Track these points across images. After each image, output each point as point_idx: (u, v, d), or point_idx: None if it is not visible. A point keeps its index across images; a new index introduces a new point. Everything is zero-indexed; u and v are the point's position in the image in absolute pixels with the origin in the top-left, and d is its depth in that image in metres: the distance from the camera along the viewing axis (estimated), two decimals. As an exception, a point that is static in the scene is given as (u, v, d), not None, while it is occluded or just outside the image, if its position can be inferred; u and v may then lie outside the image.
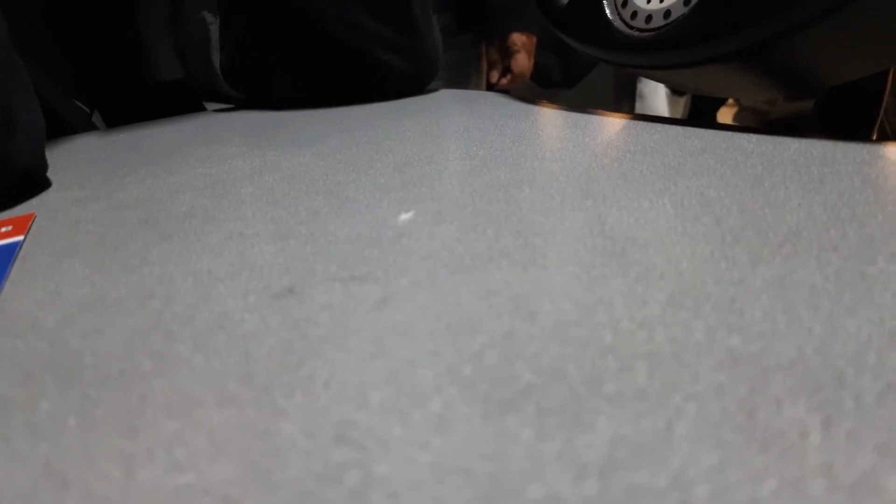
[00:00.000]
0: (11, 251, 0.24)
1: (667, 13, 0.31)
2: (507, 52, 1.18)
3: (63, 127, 0.53)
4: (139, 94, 0.59)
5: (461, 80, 1.17)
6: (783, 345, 0.13)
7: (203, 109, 0.62)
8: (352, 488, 0.10)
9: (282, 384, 0.13)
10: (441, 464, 0.11)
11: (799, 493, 0.09)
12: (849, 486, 0.09)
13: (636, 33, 0.33)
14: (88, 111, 0.58)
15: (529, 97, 0.47)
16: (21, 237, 0.25)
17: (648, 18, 0.32)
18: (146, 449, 0.12)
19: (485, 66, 1.22)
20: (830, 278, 0.15)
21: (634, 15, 0.33)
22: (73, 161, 0.41)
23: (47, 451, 0.12)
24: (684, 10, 0.31)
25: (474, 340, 0.14)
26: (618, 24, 0.34)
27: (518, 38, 1.17)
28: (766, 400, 0.11)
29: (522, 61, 1.18)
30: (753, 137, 0.28)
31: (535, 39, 1.19)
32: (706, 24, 0.29)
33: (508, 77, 1.21)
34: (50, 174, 0.36)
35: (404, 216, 0.23)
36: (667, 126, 0.32)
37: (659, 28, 0.32)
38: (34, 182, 0.34)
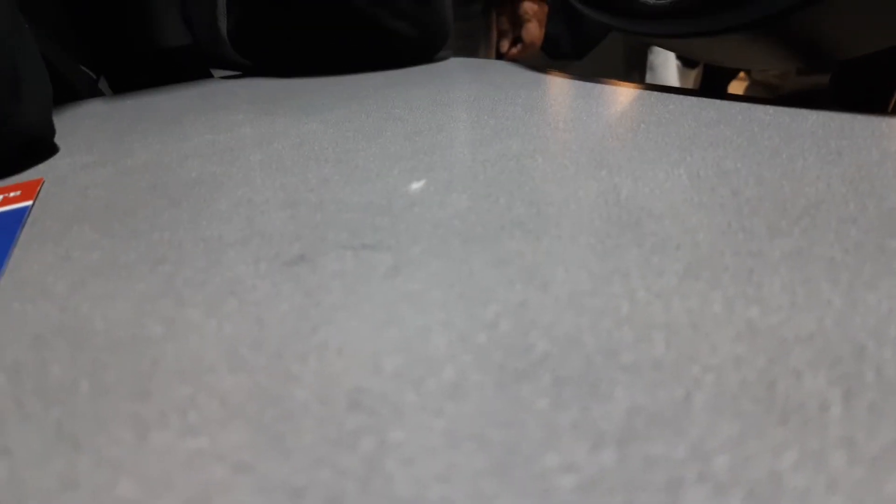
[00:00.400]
0: (20, 216, 0.24)
1: (684, -19, 0.31)
2: (517, 22, 1.16)
3: (70, 93, 0.53)
4: (145, 61, 0.58)
5: (470, 49, 1.16)
6: (803, 317, 0.13)
7: (209, 76, 0.62)
8: (366, 454, 0.10)
9: (294, 350, 0.13)
10: (455, 431, 0.11)
11: (820, 465, 0.09)
12: (870, 459, 0.09)
13: (653, 1, 0.32)
14: (95, 77, 0.57)
15: (540, 67, 0.46)
16: (30, 202, 0.25)
17: (664, -14, 0.32)
18: (159, 413, 0.12)
19: (495, 35, 1.20)
20: (850, 251, 0.15)
21: (651, -18, 0.33)
22: (80, 126, 0.41)
23: (59, 415, 0.12)
24: (702, -23, 0.30)
25: (488, 309, 0.14)
26: (633, -9, 0.33)
27: (529, 7, 1.15)
28: (786, 372, 0.11)
29: (533, 31, 1.16)
30: (770, 109, 0.27)
31: (546, 8, 1.17)
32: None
33: (519, 47, 1.19)
34: (58, 139, 0.36)
35: (415, 185, 0.23)
36: (681, 97, 0.31)
37: (675, -4, 0.31)
38: (42, 147, 0.34)
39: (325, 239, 0.19)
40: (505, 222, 0.19)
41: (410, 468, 0.10)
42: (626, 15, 0.34)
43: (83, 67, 0.56)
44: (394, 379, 0.12)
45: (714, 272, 0.15)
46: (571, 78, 0.41)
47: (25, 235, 0.22)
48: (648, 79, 1.16)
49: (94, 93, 0.55)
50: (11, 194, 0.27)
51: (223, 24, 0.58)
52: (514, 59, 1.18)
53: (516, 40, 1.19)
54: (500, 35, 1.19)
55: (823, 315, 0.13)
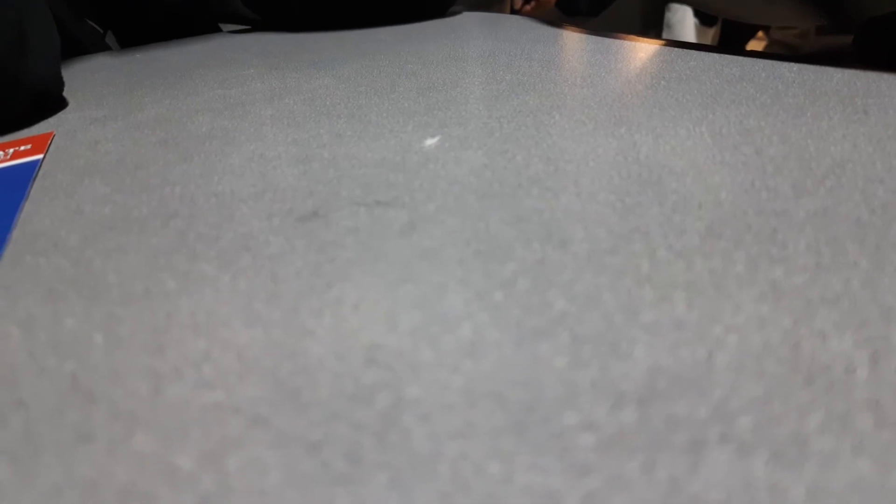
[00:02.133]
0: (31, 169, 0.23)
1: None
2: None
3: (77, 47, 0.52)
4: (152, 14, 0.57)
5: (483, 5, 1.14)
6: (828, 278, 0.12)
7: (218, 31, 0.61)
8: (383, 410, 0.10)
9: (310, 306, 0.13)
10: (473, 388, 0.11)
11: (845, 427, 0.09)
12: (898, 422, 0.09)
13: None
14: (102, 32, 0.57)
15: (556, 22, 0.45)
16: (40, 156, 0.25)
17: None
18: (173, 366, 0.12)
19: None
20: (877, 211, 0.15)
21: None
22: (89, 81, 0.40)
23: (74, 368, 0.12)
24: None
25: (505, 267, 0.14)
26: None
27: None
28: (811, 333, 0.11)
29: None
30: (794, 66, 0.27)
31: None
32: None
33: (532, 3, 1.17)
34: (67, 94, 0.36)
35: (430, 141, 0.22)
36: (702, 53, 0.30)
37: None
38: (51, 101, 0.33)
39: (338, 195, 0.18)
40: (522, 179, 0.18)
41: (427, 424, 0.10)
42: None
43: (90, 22, 0.55)
44: (410, 336, 0.12)
45: (737, 231, 0.14)
46: (589, 33, 0.40)
47: (36, 189, 0.21)
48: (665, 36, 1.13)
49: (101, 47, 0.55)
50: (22, 148, 0.27)
51: None
52: (529, 16, 1.16)
53: None
54: None
55: (850, 276, 0.12)
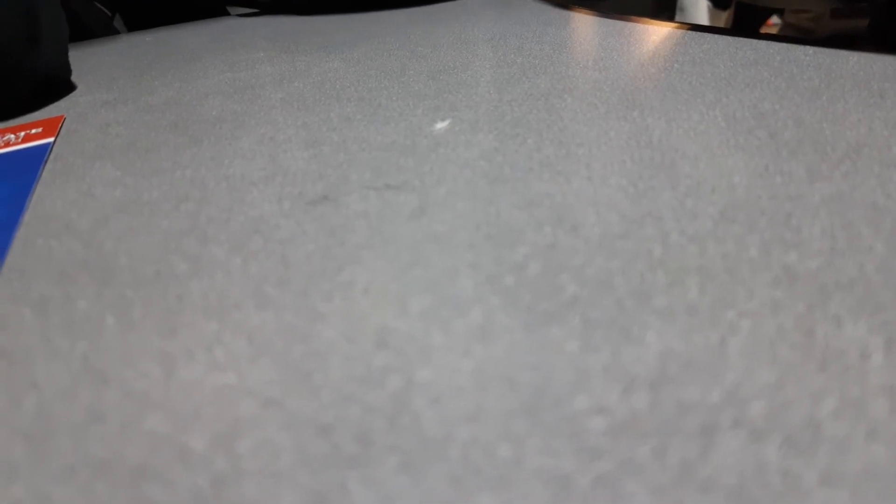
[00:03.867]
0: (42, 152, 0.24)
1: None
2: None
3: (85, 31, 0.52)
4: None
5: None
6: (843, 263, 0.12)
7: (226, 14, 0.61)
8: (394, 392, 0.10)
9: (320, 289, 0.13)
10: (484, 372, 0.10)
11: (860, 413, 0.09)
12: (912, 408, 0.09)
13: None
14: (110, 15, 0.57)
15: (566, 4, 0.44)
16: (51, 139, 0.25)
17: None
18: (185, 349, 0.12)
19: None
20: (893, 196, 0.14)
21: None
22: (100, 64, 0.40)
23: (86, 349, 0.12)
24: None
25: (516, 251, 0.14)
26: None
27: None
28: (826, 318, 0.11)
29: None
30: (810, 50, 0.26)
31: None
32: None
33: None
34: (77, 77, 0.36)
35: (440, 124, 0.22)
36: (716, 36, 0.30)
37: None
38: (59, 86, 0.34)
39: (348, 179, 0.18)
40: (533, 163, 0.18)
41: (438, 407, 0.10)
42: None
43: (98, 5, 0.55)
44: (421, 319, 0.12)
45: (750, 216, 0.14)
46: (600, 16, 0.40)
47: (48, 172, 0.22)
48: (678, 19, 1.12)
49: (109, 31, 0.54)
50: (33, 131, 0.27)
51: None
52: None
53: None
54: None
55: (864, 261, 0.12)
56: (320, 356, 0.11)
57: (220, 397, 0.10)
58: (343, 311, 0.12)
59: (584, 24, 0.38)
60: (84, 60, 0.42)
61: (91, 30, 0.53)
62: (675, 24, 0.33)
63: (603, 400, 0.10)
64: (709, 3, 1.13)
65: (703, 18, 1.12)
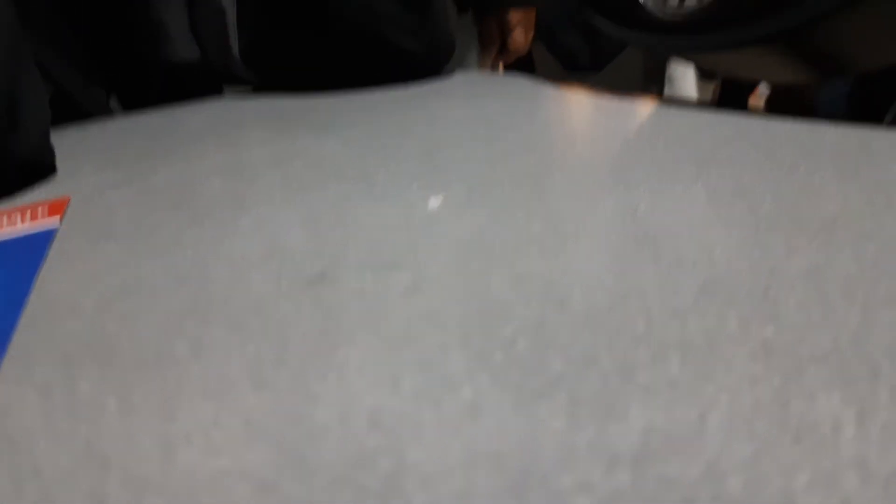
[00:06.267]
0: (49, 234, 0.24)
1: (700, -5, 0.31)
2: (504, 30, 1.16)
3: (80, 112, 0.53)
4: (155, 77, 0.59)
5: (464, 60, 1.16)
6: (818, 336, 0.13)
7: (221, 92, 0.62)
8: (385, 474, 0.10)
9: (316, 369, 0.13)
10: (473, 451, 0.11)
11: (832, 486, 0.09)
12: (883, 480, 0.09)
13: (670, 16, 0.33)
14: (106, 96, 0.58)
15: (556, 80, 0.46)
16: (57, 220, 0.26)
17: (682, 1, 0.32)
18: (184, 432, 0.12)
19: (492, 45, 1.20)
20: (866, 269, 0.15)
21: (667, -3, 0.33)
22: (104, 144, 0.42)
23: (88, 433, 0.12)
24: (718, -8, 0.30)
25: (505, 328, 0.14)
26: (651, 5, 0.34)
27: (513, 16, 1.15)
28: (801, 391, 0.11)
29: (518, 38, 1.16)
30: (788, 123, 0.27)
31: (531, 14, 1.17)
32: (740, 6, 0.29)
33: (506, 54, 1.19)
34: (80, 157, 0.37)
35: (433, 202, 0.23)
36: (698, 112, 0.31)
37: (692, 11, 0.31)
38: (40, 170, 0.34)
39: (344, 257, 0.19)
40: (522, 239, 0.19)
41: (429, 488, 0.10)
42: (644, 28, 0.34)
43: (93, 87, 0.56)
44: (412, 398, 0.12)
45: (730, 290, 0.15)
46: (587, 92, 0.41)
47: (54, 253, 0.22)
48: (667, 90, 1.15)
49: (105, 111, 0.56)
50: (40, 212, 0.27)
51: (234, 43, 0.59)
52: (507, 67, 1.20)
53: (503, 48, 1.19)
54: (489, 43, 1.19)
55: (839, 334, 0.13)
56: (315, 438, 0.11)
57: (217, 482, 0.11)
58: (337, 391, 0.13)
59: (572, 101, 0.39)
60: (88, 141, 0.43)
61: (87, 111, 0.54)
62: (660, 100, 0.35)
63: (588, 477, 0.10)
64: (697, 75, 1.16)
65: (691, 89, 1.15)
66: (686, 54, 0.34)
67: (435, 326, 0.15)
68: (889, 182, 0.20)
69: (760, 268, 0.15)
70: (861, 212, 0.18)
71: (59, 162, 0.35)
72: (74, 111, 0.53)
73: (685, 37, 0.31)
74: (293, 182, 0.27)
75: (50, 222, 0.26)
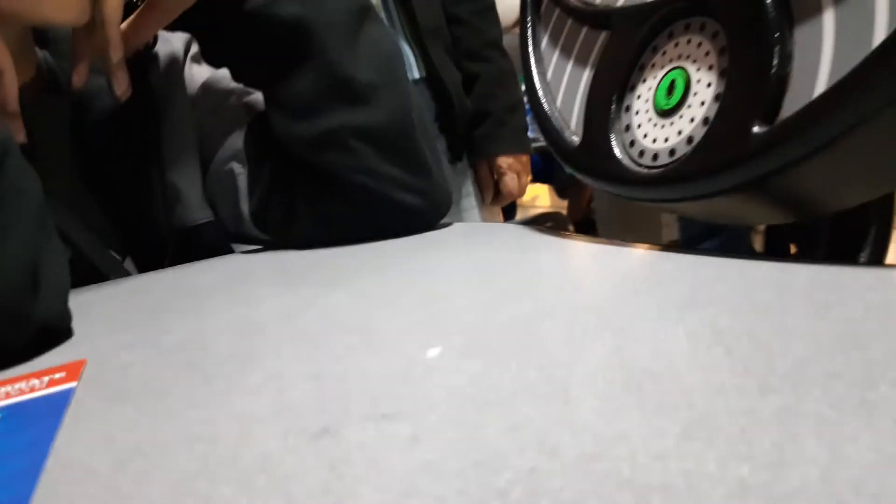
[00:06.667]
0: (66, 397, 0.25)
1: (671, 151, 0.34)
2: (497, 174, 1.23)
3: (97, 275, 0.56)
4: (169, 240, 0.61)
5: (455, 204, 1.21)
6: (790, 473, 0.14)
7: (231, 251, 0.65)
8: None
9: (320, 524, 0.14)
10: None
11: None
12: None
13: (644, 170, 0.35)
14: (120, 259, 0.61)
15: (549, 230, 0.49)
16: (74, 383, 0.27)
17: (655, 156, 0.35)
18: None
19: (482, 189, 1.27)
20: (835, 406, 0.16)
21: (642, 153, 0.36)
22: (118, 305, 0.44)
23: None
24: (687, 148, 0.33)
25: (500, 477, 0.15)
26: (627, 161, 0.37)
27: (504, 161, 1.21)
28: (774, 530, 0.12)
29: (510, 183, 1.23)
30: (764, 265, 0.29)
31: (524, 159, 1.24)
32: (709, 160, 0.32)
33: (499, 198, 1.26)
34: (95, 319, 0.38)
35: (432, 352, 0.24)
36: (680, 255, 0.33)
37: (665, 165, 0.34)
38: (56, 335, 0.35)
39: (348, 410, 0.20)
40: (516, 387, 0.20)
41: None
42: (620, 182, 0.37)
43: (109, 251, 0.59)
44: (412, 550, 0.13)
45: (709, 432, 0.16)
46: (577, 239, 0.44)
47: (70, 416, 0.23)
48: (665, 235, 1.19)
49: (120, 273, 0.58)
50: (57, 376, 0.29)
51: (244, 205, 0.62)
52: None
53: (497, 192, 1.26)
54: (484, 188, 1.26)
55: (809, 471, 0.13)
56: (320, 591, 0.12)
57: None
58: (341, 545, 0.13)
59: (562, 248, 0.41)
60: (104, 302, 0.45)
61: (102, 274, 0.57)
62: (644, 246, 0.37)
63: None
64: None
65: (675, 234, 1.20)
66: (663, 204, 0.36)
67: (434, 478, 0.16)
68: (857, 319, 0.21)
69: (736, 410, 0.16)
70: (830, 351, 0.19)
71: (75, 323, 0.37)
72: (91, 274, 0.55)
73: (660, 188, 0.34)
74: (301, 336, 0.29)
75: (67, 384, 0.27)
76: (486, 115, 1.20)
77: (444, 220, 0.58)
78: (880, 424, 0.15)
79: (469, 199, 1.26)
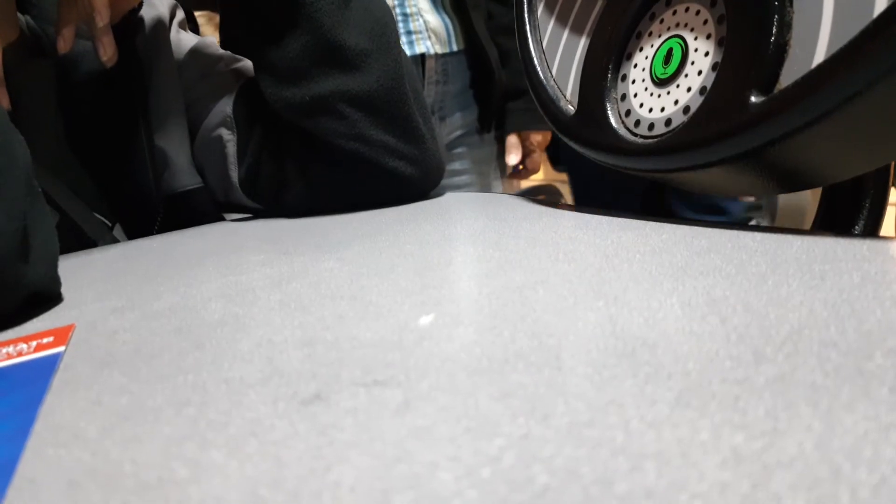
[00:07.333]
0: (53, 362, 0.25)
1: (668, 121, 0.33)
2: (524, 150, 1.24)
3: (86, 241, 0.55)
4: (158, 207, 0.61)
5: (483, 175, 1.23)
6: (784, 442, 0.13)
7: (222, 219, 0.65)
8: (378, 589, 0.11)
9: (310, 490, 0.14)
10: (461, 564, 0.11)
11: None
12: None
13: (640, 140, 0.35)
14: (110, 225, 0.60)
15: (543, 200, 0.49)
16: (62, 348, 0.27)
17: (651, 126, 0.34)
18: (185, 554, 0.13)
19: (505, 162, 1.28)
20: (830, 375, 0.16)
21: (637, 123, 0.35)
22: (108, 271, 0.43)
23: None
24: (684, 118, 0.32)
25: (492, 443, 0.15)
26: (622, 131, 0.36)
27: (534, 138, 1.23)
28: (768, 497, 0.12)
29: (537, 160, 1.25)
30: (758, 236, 0.29)
31: (550, 138, 1.25)
32: (705, 130, 0.31)
33: (523, 172, 1.27)
34: (88, 285, 0.38)
35: (425, 319, 0.24)
36: (674, 226, 0.33)
37: (661, 135, 0.34)
38: (47, 299, 0.35)
39: (339, 377, 0.20)
40: (509, 355, 0.20)
41: None
42: (615, 152, 0.36)
43: (98, 216, 0.59)
44: (403, 514, 0.13)
45: (703, 400, 0.16)
46: (571, 209, 0.44)
47: (58, 381, 0.23)
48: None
49: (109, 240, 0.58)
50: (45, 340, 0.28)
51: (234, 173, 0.62)
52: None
53: (523, 164, 1.27)
54: (512, 158, 1.27)
55: (804, 439, 0.13)
56: (310, 555, 0.12)
57: None
58: (332, 509, 0.13)
59: (556, 218, 0.41)
60: (93, 267, 0.45)
61: (91, 240, 0.56)
62: (638, 216, 0.37)
63: (569, 586, 0.11)
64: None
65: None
66: (658, 175, 0.36)
67: (425, 444, 0.15)
68: (851, 290, 0.21)
69: (730, 378, 0.16)
70: (825, 320, 0.19)
71: (64, 289, 0.37)
72: (78, 239, 0.55)
73: (656, 159, 0.34)
74: (291, 303, 0.29)
75: (55, 349, 0.27)
76: (523, 90, 1.21)
77: (468, 191, 0.58)
78: (875, 393, 0.15)
79: (494, 171, 1.28)
